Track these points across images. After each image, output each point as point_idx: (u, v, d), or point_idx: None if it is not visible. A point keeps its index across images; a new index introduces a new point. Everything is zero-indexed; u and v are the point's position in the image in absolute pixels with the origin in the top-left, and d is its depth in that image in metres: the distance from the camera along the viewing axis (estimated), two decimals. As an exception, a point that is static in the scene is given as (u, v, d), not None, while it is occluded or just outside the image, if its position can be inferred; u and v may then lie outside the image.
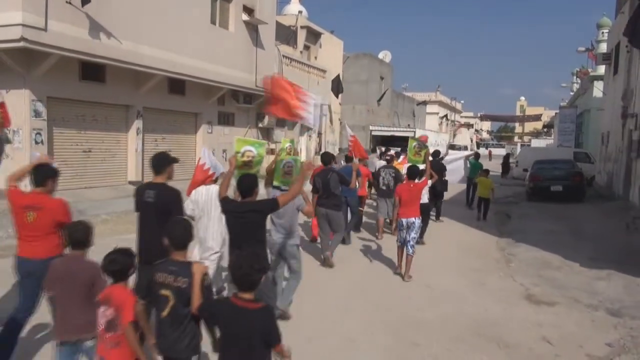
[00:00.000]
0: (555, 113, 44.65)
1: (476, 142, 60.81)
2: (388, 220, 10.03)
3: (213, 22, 15.68)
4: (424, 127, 38.98)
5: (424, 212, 9.05)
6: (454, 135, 55.57)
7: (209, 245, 5.27)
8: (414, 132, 25.27)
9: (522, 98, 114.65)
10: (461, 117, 73.53)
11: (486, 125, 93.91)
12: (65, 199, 4.13)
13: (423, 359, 4.56)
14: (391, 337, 4.99)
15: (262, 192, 4.80)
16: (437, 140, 28.30)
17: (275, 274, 5.33)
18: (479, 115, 77.60)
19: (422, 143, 9.29)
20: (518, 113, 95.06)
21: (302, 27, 23.67)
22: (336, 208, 7.63)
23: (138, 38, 12.26)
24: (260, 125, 19.74)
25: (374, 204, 12.44)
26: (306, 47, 24.44)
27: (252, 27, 17.37)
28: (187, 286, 2.87)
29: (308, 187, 7.02)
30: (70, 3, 10.36)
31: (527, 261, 8.27)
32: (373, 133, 27.62)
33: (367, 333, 5.05)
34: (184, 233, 3.07)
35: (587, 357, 4.69)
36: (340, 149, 25.05)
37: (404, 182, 7.58)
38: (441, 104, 57.44)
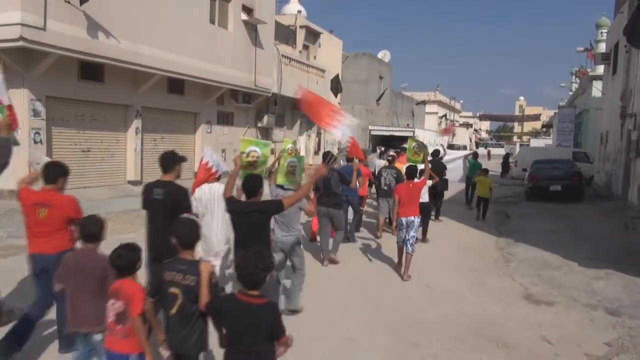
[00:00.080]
0: (554, 113, 44.67)
1: (475, 141, 60.86)
2: (388, 221, 10.05)
3: (212, 21, 15.68)
4: (423, 127, 39.00)
5: (425, 212, 9.10)
6: (453, 135, 55.58)
7: (213, 242, 5.30)
8: (413, 131, 25.29)
9: (521, 98, 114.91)
10: (460, 116, 73.55)
11: (485, 125, 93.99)
12: (74, 195, 4.22)
13: (423, 359, 4.57)
14: (391, 337, 4.99)
15: (266, 192, 4.82)
16: (436, 140, 28.29)
17: (279, 273, 5.36)
18: (478, 115, 77.69)
19: (422, 143, 9.31)
20: (517, 113, 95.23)
21: (301, 27, 23.67)
22: (337, 207, 7.69)
23: (137, 38, 12.25)
24: (259, 124, 19.74)
25: (374, 203, 12.47)
26: (305, 47, 24.44)
27: (251, 27, 17.37)
28: (195, 284, 2.96)
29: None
30: (69, 2, 10.36)
31: (526, 261, 8.28)
32: (372, 133, 27.61)
33: (367, 333, 5.05)
34: (191, 233, 3.15)
35: (586, 356, 4.69)
36: (339, 149, 25.04)
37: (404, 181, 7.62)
38: (440, 103, 57.47)
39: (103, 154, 12.95)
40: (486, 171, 12.95)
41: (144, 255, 3.35)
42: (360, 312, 5.65)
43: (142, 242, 3.79)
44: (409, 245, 7.02)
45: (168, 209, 4.17)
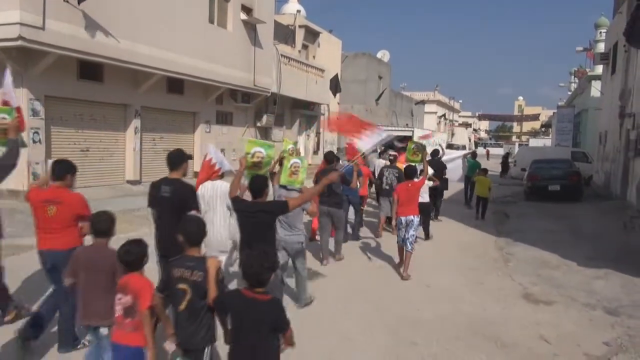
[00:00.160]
0: (553, 113, 44.71)
1: (474, 141, 60.89)
2: (388, 220, 10.08)
3: (211, 21, 15.67)
4: (422, 127, 38.99)
5: (425, 211, 9.16)
6: (452, 135, 55.61)
7: (214, 239, 5.30)
8: (412, 131, 25.28)
9: (520, 98, 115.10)
10: (459, 116, 73.57)
11: (484, 124, 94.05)
12: (81, 193, 4.31)
13: (422, 359, 4.57)
14: (390, 336, 5.00)
15: (270, 192, 4.86)
16: (435, 140, 28.29)
17: (283, 273, 5.42)
18: (477, 114, 77.70)
19: (420, 144, 9.37)
20: (516, 112, 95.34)
21: (300, 27, 23.66)
22: (338, 206, 7.78)
23: (136, 37, 12.24)
24: (258, 124, 19.73)
25: (374, 203, 12.50)
26: (304, 47, 24.43)
27: (251, 27, 17.36)
28: (203, 280, 3.05)
29: (309, 185, 7.06)
30: (67, 2, 10.34)
31: (525, 260, 8.29)
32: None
33: (366, 332, 5.06)
34: (197, 230, 3.23)
35: (585, 356, 4.70)
36: (338, 149, 25.04)
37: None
38: (439, 103, 57.48)
39: (102, 154, 12.94)
40: (485, 171, 12.97)
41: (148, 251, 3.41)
42: (359, 311, 5.65)
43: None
44: (408, 244, 7.07)
45: (175, 206, 4.25)
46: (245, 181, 4.76)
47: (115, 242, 3.77)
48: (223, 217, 5.21)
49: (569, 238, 10.19)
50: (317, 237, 8.18)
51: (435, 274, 7.32)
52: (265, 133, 20.17)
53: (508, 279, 7.22)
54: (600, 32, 30.32)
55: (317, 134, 25.66)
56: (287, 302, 5.43)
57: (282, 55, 19.76)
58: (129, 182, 13.65)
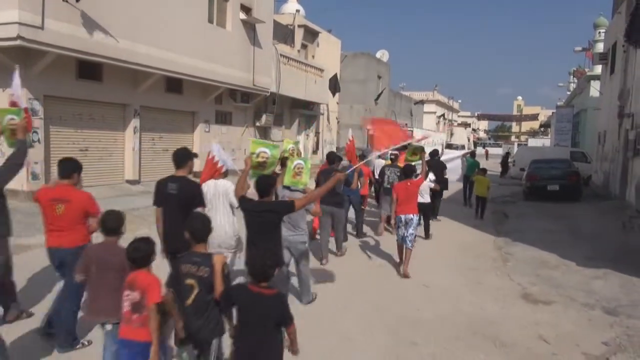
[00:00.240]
0: (552, 112, 44.76)
1: (473, 141, 60.92)
2: (388, 220, 10.19)
3: (210, 20, 15.66)
4: (421, 127, 39.03)
5: (426, 211, 9.24)
6: (451, 135, 55.69)
7: (217, 237, 5.32)
8: (412, 131, 25.32)
9: (519, 97, 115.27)
10: (458, 116, 73.61)
11: (483, 124, 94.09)
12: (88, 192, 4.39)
13: (421, 358, 4.58)
14: (389, 336, 5.00)
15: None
16: (434, 140, 28.33)
17: (288, 270, 5.49)
18: (476, 114, 77.71)
19: (419, 146, 9.44)
20: (515, 112, 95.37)
21: (299, 26, 23.65)
22: (339, 205, 7.85)
23: (135, 37, 12.22)
24: (257, 124, 19.72)
25: (373, 202, 12.52)
26: (304, 46, 24.42)
27: (250, 26, 17.35)
28: (209, 275, 3.16)
29: (311, 185, 7.11)
30: (67, 1, 10.32)
31: (524, 260, 8.30)
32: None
33: (365, 332, 5.06)
34: (203, 227, 3.35)
35: (584, 355, 4.71)
36: (337, 148, 25.05)
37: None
38: (438, 103, 57.48)
39: (101, 153, 12.92)
40: (484, 171, 13.00)
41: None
42: (359, 311, 5.66)
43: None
44: (408, 242, 7.15)
45: (182, 203, 4.35)
46: (249, 181, 4.83)
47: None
48: (225, 216, 5.23)
49: (568, 238, 10.19)
50: (317, 237, 8.20)
51: (434, 273, 7.33)
52: (264, 133, 20.16)
53: (507, 279, 7.22)
54: (599, 32, 30.36)
55: (317, 133, 25.67)
56: (291, 300, 5.43)
57: (281, 54, 19.76)
58: (128, 181, 13.65)
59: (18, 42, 9.58)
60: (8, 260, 4.76)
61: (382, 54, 36.00)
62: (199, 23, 14.89)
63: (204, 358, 3.30)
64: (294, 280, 5.86)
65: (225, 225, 5.20)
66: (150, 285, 3.13)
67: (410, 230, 7.16)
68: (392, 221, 7.61)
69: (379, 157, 12.51)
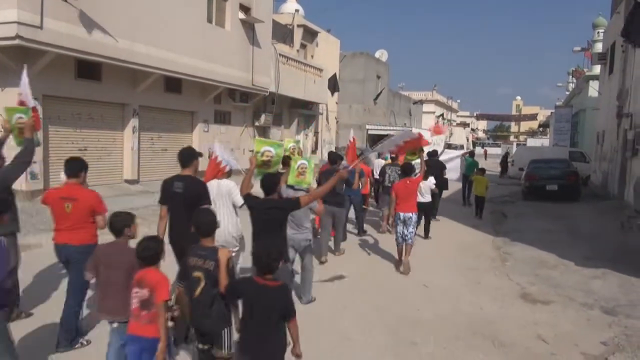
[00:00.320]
0: (551, 112, 44.81)
1: (472, 141, 60.97)
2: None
3: (209, 20, 15.65)
4: (420, 126, 39.02)
5: (427, 210, 9.30)
6: (450, 135, 55.71)
7: (220, 236, 5.35)
8: (410, 130, 25.27)
9: (518, 97, 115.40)
10: (457, 116, 73.65)
11: (482, 124, 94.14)
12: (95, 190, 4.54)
13: (420, 358, 4.58)
14: (389, 336, 5.00)
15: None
16: (433, 140, 28.29)
17: (292, 268, 5.55)
18: (475, 114, 77.75)
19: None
20: (514, 112, 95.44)
21: (298, 26, 23.65)
22: (340, 205, 7.94)
23: (134, 36, 12.22)
24: (256, 123, 19.72)
25: (373, 202, 12.54)
26: (303, 46, 24.42)
27: (249, 26, 17.34)
28: (214, 268, 3.26)
29: (314, 185, 7.15)
30: (66, 0, 10.31)
31: (523, 260, 8.31)
32: (369, 132, 27.63)
33: (364, 332, 5.06)
34: (210, 221, 3.46)
35: (582, 355, 4.71)
36: (336, 148, 25.05)
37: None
38: (437, 103, 57.52)
39: (100, 153, 12.91)
40: (483, 170, 13.02)
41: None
42: (358, 310, 5.66)
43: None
44: (408, 239, 7.29)
45: (187, 202, 4.41)
46: (253, 180, 4.94)
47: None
48: (228, 216, 5.25)
49: (567, 238, 10.20)
50: (318, 236, 8.22)
51: (433, 273, 7.33)
52: (263, 132, 20.15)
53: (506, 279, 7.23)
54: (598, 32, 30.36)
55: (316, 133, 25.67)
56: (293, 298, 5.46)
57: (280, 54, 19.76)
58: (126, 181, 13.64)
59: (17, 42, 9.57)
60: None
61: (381, 54, 35.99)
62: (198, 23, 14.88)
63: (218, 347, 3.43)
64: (297, 278, 5.87)
65: (229, 225, 5.21)
66: (158, 283, 3.21)
67: (410, 229, 7.25)
68: (391, 220, 7.70)
69: (379, 156, 12.62)
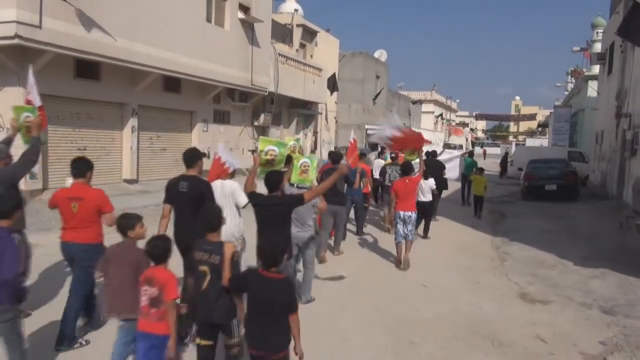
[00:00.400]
0: (550, 112, 44.86)
1: (471, 141, 60.98)
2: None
3: (209, 20, 15.64)
4: (419, 126, 39.02)
5: (427, 210, 9.39)
6: (449, 134, 55.73)
7: (223, 236, 5.38)
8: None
9: (517, 97, 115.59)
10: (457, 116, 73.68)
11: (481, 124, 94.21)
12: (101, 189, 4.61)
13: (419, 357, 4.58)
14: (388, 335, 5.01)
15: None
16: (433, 140, 28.29)
17: (296, 264, 5.63)
18: (474, 114, 77.80)
19: None
20: (513, 112, 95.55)
21: (298, 26, 23.64)
22: (341, 204, 8.04)
23: (133, 36, 12.20)
24: (255, 123, 19.72)
25: (372, 202, 12.58)
26: (302, 46, 24.42)
27: (248, 25, 17.34)
28: (219, 262, 3.37)
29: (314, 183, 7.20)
30: (65, 0, 10.29)
31: (521, 260, 8.32)
32: (369, 132, 27.63)
33: (364, 332, 5.07)
34: (216, 217, 3.56)
35: (581, 355, 4.72)
36: (335, 147, 25.04)
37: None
38: (437, 103, 57.53)
39: (99, 153, 12.89)
40: (482, 170, 13.06)
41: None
42: (357, 310, 5.67)
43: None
44: (409, 237, 7.45)
45: (192, 201, 4.49)
46: (257, 180, 5.01)
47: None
48: (231, 216, 5.28)
49: (566, 238, 10.22)
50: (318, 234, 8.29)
51: (433, 273, 7.34)
52: (262, 132, 20.13)
53: (504, 278, 7.24)
54: (597, 32, 30.38)
55: (315, 133, 25.66)
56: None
57: (279, 54, 19.75)
58: (125, 181, 13.63)
59: (16, 41, 9.55)
60: None
61: (381, 54, 36.00)
62: (198, 22, 14.87)
63: (228, 337, 3.55)
64: (298, 276, 5.87)
65: (231, 226, 5.23)
66: (167, 281, 3.27)
67: (410, 227, 7.42)
68: (391, 218, 7.87)
69: (379, 156, 12.73)
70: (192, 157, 4.81)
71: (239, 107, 18.55)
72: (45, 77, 10.93)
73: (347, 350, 4.66)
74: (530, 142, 47.05)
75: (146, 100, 14.07)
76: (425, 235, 9.73)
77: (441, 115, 58.78)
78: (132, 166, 13.75)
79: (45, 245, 6.83)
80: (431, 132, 33.27)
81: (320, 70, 23.26)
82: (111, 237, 4.11)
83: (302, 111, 23.37)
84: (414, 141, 8.08)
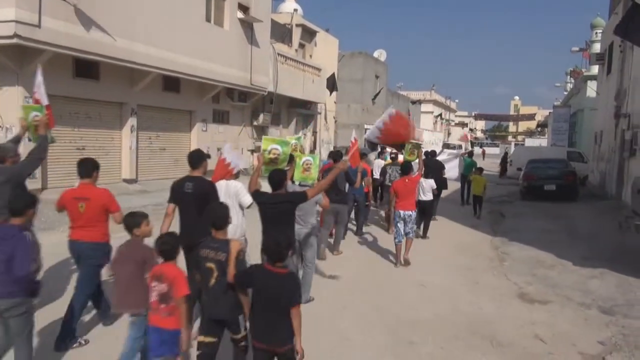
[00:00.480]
0: (549, 112, 44.87)
1: (470, 140, 61.02)
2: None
3: (208, 19, 15.64)
4: (418, 126, 39.04)
5: (428, 209, 9.62)
6: (448, 134, 55.80)
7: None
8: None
9: (517, 97, 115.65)
10: (456, 116, 73.73)
11: (480, 124, 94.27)
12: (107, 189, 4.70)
13: (418, 357, 4.59)
14: (388, 335, 5.01)
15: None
16: (432, 139, 28.31)
17: (299, 262, 5.65)
18: (473, 114, 77.85)
19: (416, 144, 9.58)
20: (512, 112, 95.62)
21: (297, 25, 23.64)
22: (343, 202, 8.12)
23: (132, 35, 12.20)
24: (255, 123, 19.71)
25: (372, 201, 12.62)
26: (301, 46, 24.41)
27: (247, 25, 17.33)
28: (225, 260, 3.42)
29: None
30: None
31: (520, 260, 8.32)
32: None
33: (364, 332, 5.07)
34: (223, 216, 3.61)
35: (580, 355, 4.73)
36: (334, 147, 25.04)
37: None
38: (436, 103, 57.58)
39: (98, 152, 12.86)
40: (481, 170, 13.08)
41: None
42: (357, 311, 5.67)
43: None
44: (409, 235, 7.58)
45: (197, 201, 4.61)
46: (260, 180, 5.10)
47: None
48: (234, 216, 5.29)
49: (565, 238, 10.22)
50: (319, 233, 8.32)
51: (432, 273, 7.35)
52: (261, 132, 20.13)
53: (503, 278, 7.25)
54: (596, 33, 30.42)
55: (314, 132, 25.66)
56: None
57: (278, 54, 19.74)
58: (125, 180, 13.62)
59: (15, 41, 9.54)
60: None
61: (380, 54, 35.99)
62: (197, 22, 14.86)
63: (233, 333, 3.60)
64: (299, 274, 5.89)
65: (234, 226, 5.25)
66: (176, 277, 3.34)
67: (410, 226, 7.56)
68: (391, 217, 7.97)
69: (378, 156, 12.80)
70: (197, 158, 4.90)
71: (238, 107, 18.55)
72: (44, 77, 10.87)
73: (347, 350, 4.66)
74: (530, 142, 47.11)
75: (145, 99, 14.06)
76: (424, 235, 9.75)
77: (440, 115, 58.83)
78: (131, 166, 13.74)
79: (46, 244, 6.80)
80: (430, 132, 33.24)
81: (319, 70, 23.25)
82: (118, 236, 4.18)
83: (301, 111, 23.36)
84: (400, 134, 8.30)
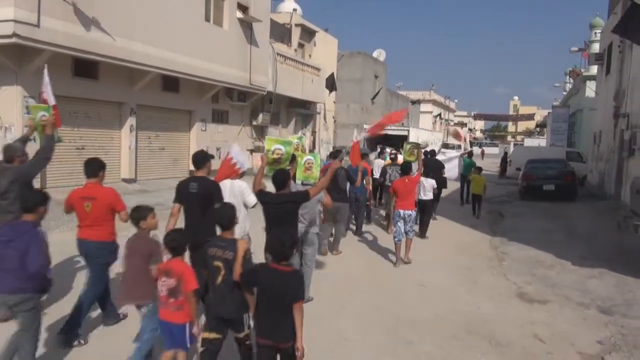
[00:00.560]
0: (548, 113, 44.86)
1: (470, 141, 61.01)
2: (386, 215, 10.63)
3: (207, 19, 15.64)
4: (417, 126, 39.03)
5: (427, 209, 9.72)
6: (447, 134, 55.76)
7: None
8: (408, 130, 25.34)
9: (516, 97, 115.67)
10: (455, 116, 73.75)
11: (479, 124, 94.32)
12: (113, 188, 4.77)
13: (417, 357, 4.59)
14: (386, 335, 5.01)
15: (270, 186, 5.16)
16: (432, 139, 28.31)
17: (300, 261, 5.69)
18: (472, 114, 77.86)
19: (416, 144, 9.63)
20: (511, 112, 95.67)
21: (296, 25, 23.64)
22: (343, 200, 8.22)
23: (132, 35, 12.19)
24: (254, 123, 19.71)
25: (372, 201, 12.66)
26: (300, 45, 24.41)
27: (247, 25, 17.33)
28: (233, 258, 3.49)
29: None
30: (63, -1, 10.29)
31: (519, 260, 8.33)
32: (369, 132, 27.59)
33: (362, 332, 5.07)
34: (231, 215, 3.68)
35: (579, 354, 4.73)
36: (334, 147, 25.04)
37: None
38: (435, 102, 57.59)
39: (97, 152, 12.83)
40: (480, 169, 13.11)
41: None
42: (356, 310, 5.67)
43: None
44: (409, 234, 7.64)
45: (202, 201, 4.68)
46: (264, 180, 5.16)
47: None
48: (240, 216, 5.30)
49: (564, 238, 10.24)
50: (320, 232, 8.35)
51: (431, 273, 7.35)
52: (261, 132, 20.14)
53: (502, 278, 7.25)
54: (595, 33, 30.45)
55: (313, 132, 25.66)
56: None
57: (278, 53, 19.74)
58: (124, 180, 13.61)
59: (14, 40, 9.54)
60: None
61: (379, 54, 36.00)
62: (196, 21, 14.87)
63: (237, 331, 3.64)
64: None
65: (240, 226, 5.26)
66: (184, 273, 3.44)
67: (410, 225, 7.62)
68: (391, 216, 8.03)
69: (378, 156, 12.84)
70: (201, 158, 4.98)
71: (237, 107, 18.55)
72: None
73: (346, 350, 4.66)
74: (529, 142, 47.09)
75: (144, 99, 14.06)
76: (423, 234, 9.75)
77: (439, 115, 58.80)
78: (131, 165, 13.74)
79: (50, 243, 6.81)
80: (430, 132, 33.25)
81: (318, 69, 23.26)
82: (124, 234, 4.26)
83: (300, 111, 23.36)
84: (383, 125, 8.59)
